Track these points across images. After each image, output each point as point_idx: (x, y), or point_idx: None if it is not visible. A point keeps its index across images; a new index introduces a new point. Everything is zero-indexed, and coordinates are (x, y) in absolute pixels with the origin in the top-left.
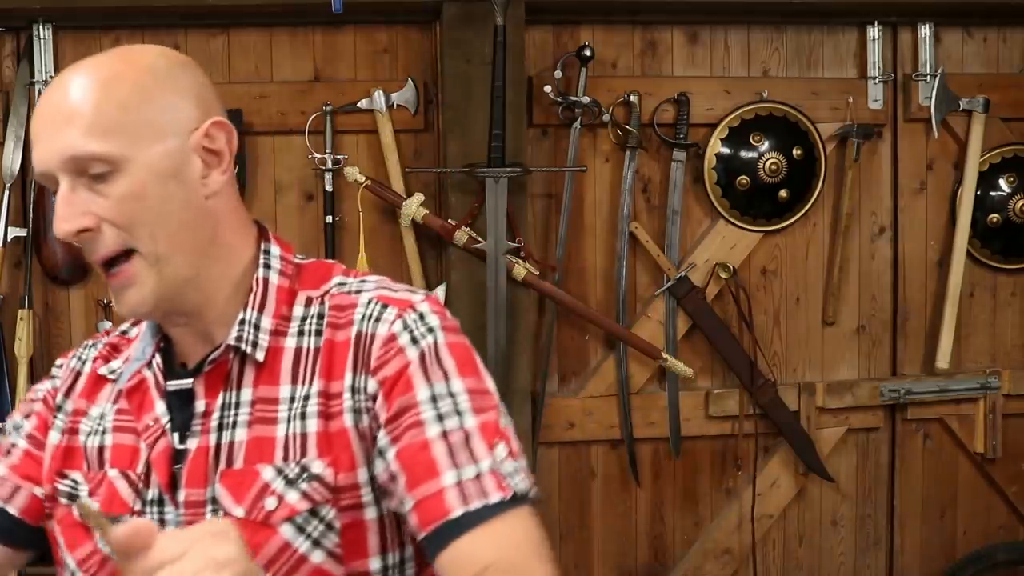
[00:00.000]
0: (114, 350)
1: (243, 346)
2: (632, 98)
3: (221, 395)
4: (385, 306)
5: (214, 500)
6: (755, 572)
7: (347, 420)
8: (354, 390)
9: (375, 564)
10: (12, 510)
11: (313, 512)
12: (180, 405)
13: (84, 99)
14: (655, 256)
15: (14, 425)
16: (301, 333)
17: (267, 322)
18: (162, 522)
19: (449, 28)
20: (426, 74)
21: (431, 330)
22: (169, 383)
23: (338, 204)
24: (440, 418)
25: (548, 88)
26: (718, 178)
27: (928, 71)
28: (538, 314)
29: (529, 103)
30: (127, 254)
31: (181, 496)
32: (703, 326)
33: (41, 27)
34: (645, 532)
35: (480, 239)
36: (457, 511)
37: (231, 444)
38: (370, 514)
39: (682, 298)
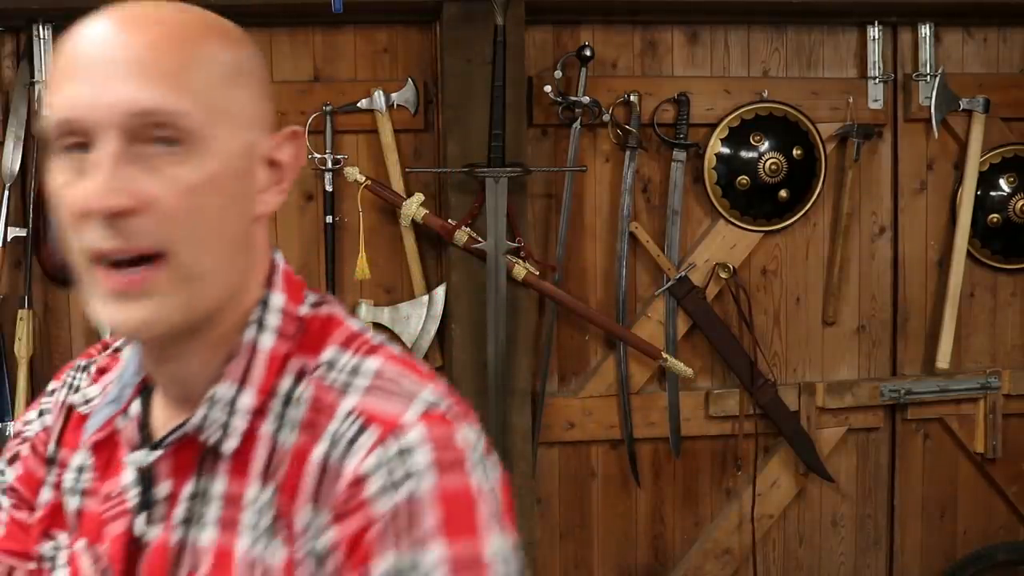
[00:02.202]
0: (102, 376)
1: (208, 435)
2: (632, 98)
3: (190, 481)
4: (364, 428)
5: None
6: (755, 572)
7: (309, 566)
8: (314, 530)
9: None
10: None
11: None
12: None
13: (170, 48)
14: (655, 256)
15: None
16: (281, 419)
17: (247, 400)
18: None
19: (449, 28)
20: (426, 74)
21: (412, 475)
22: (130, 456)
23: (338, 204)
24: None
25: (548, 88)
26: (718, 178)
27: (928, 71)
28: (538, 314)
29: (529, 103)
30: (153, 257)
31: None
32: (703, 326)
33: (41, 27)
34: (645, 532)
35: (480, 239)
36: None
37: (195, 548)
38: None
39: (682, 298)
